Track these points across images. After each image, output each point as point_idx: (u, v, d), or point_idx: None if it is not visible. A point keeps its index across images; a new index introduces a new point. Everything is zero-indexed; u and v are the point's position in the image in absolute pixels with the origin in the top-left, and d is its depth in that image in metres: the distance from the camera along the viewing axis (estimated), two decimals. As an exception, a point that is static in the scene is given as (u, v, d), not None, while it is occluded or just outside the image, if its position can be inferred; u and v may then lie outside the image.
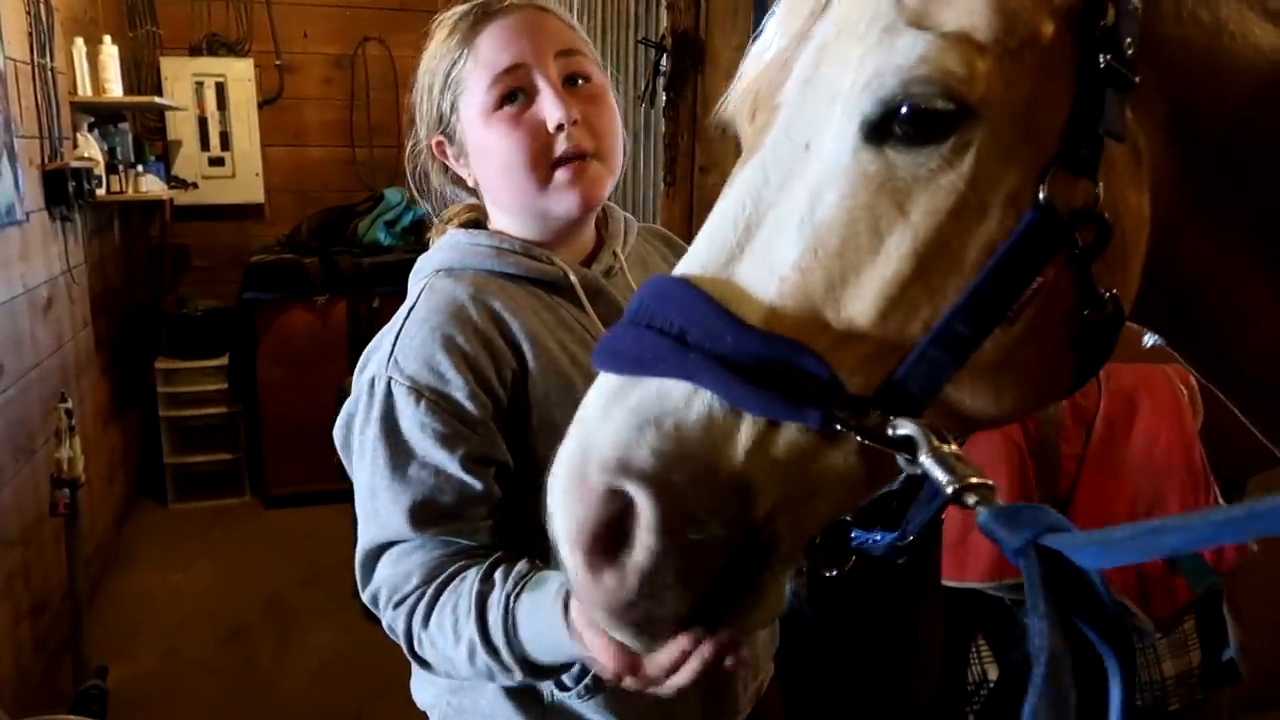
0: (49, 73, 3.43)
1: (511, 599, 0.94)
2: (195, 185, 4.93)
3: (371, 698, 3.02)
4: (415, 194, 1.25)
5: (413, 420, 1.01)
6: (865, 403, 0.59)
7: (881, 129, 0.59)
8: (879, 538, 0.70)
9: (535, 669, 0.95)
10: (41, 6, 3.35)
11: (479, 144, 1.11)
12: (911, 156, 0.59)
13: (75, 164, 3.61)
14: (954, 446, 0.57)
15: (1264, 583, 2.06)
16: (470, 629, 0.95)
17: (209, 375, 4.61)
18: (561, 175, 1.07)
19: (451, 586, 0.99)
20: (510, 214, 1.15)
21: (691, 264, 0.64)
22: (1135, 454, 1.95)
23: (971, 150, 0.59)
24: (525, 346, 1.05)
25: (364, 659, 3.19)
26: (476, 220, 1.20)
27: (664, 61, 2.55)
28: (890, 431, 0.58)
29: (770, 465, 0.60)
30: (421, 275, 1.15)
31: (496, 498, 1.03)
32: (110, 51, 4.08)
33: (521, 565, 0.97)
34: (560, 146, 1.06)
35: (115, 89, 4.10)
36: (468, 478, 1.00)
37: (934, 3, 0.59)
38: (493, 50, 1.08)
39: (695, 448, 0.59)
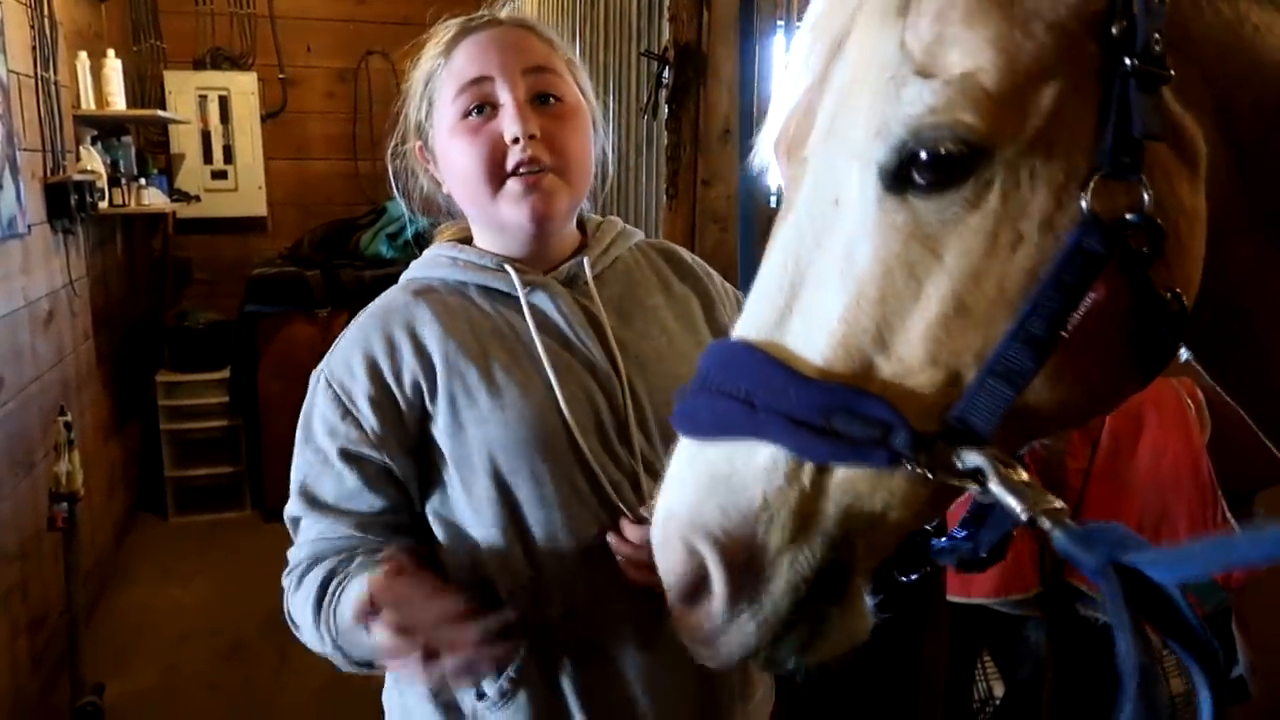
0: (52, 86, 3.44)
1: (348, 579, 1.02)
2: (198, 198, 4.93)
3: (372, 716, 2.99)
4: (394, 187, 1.27)
5: (320, 411, 1.11)
6: (931, 439, 0.60)
7: (900, 177, 0.60)
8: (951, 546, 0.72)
9: (343, 652, 1.06)
10: (46, 21, 3.36)
11: (444, 152, 1.15)
12: (935, 203, 0.60)
13: (78, 177, 3.61)
14: (1022, 472, 0.58)
15: (1273, 601, 2.04)
16: (314, 597, 1.05)
17: (210, 388, 4.61)
18: (514, 184, 1.09)
19: (326, 563, 1.07)
20: (477, 225, 1.19)
21: (747, 327, 0.67)
22: (1142, 468, 1.93)
23: (995, 187, 0.59)
24: (433, 351, 1.09)
25: (364, 677, 3.16)
26: (464, 239, 1.22)
27: (666, 74, 2.54)
28: (958, 464, 0.59)
29: (836, 503, 0.63)
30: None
31: (389, 498, 1.09)
32: (114, 65, 4.09)
33: (386, 553, 1.02)
34: (515, 158, 1.08)
35: (119, 102, 4.11)
36: (347, 470, 1.08)
37: (938, 46, 0.59)
38: (463, 63, 1.12)
39: (761, 496, 0.63)
